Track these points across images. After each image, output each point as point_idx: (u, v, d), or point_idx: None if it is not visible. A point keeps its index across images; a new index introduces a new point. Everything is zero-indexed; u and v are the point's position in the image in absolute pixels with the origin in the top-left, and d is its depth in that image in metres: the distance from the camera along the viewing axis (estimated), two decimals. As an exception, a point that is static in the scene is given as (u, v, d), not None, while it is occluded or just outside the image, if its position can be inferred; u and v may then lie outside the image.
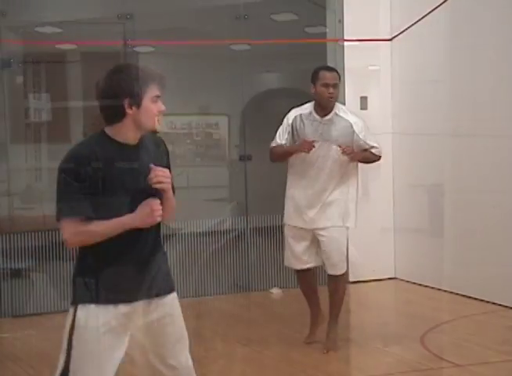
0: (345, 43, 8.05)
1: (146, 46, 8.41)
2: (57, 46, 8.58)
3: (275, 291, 7.87)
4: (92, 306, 3.30)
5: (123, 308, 3.33)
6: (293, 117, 5.94)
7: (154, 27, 8.86)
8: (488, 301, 7.26)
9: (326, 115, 5.82)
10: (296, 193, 5.92)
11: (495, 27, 7.19)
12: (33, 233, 7.03)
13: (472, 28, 7.47)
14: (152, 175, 3.27)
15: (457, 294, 7.60)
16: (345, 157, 5.74)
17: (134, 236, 3.32)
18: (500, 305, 7.16)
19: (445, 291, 7.68)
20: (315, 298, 6.12)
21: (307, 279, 6.08)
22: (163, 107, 3.32)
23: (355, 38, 8.06)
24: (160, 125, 3.36)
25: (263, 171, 8.90)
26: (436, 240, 7.90)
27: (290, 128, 5.91)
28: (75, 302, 3.33)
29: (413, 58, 8.17)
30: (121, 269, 3.37)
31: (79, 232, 3.24)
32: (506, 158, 7.04)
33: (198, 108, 10.52)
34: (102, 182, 3.24)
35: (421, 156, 7.67)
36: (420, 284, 8.00)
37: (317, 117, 5.83)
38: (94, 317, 3.30)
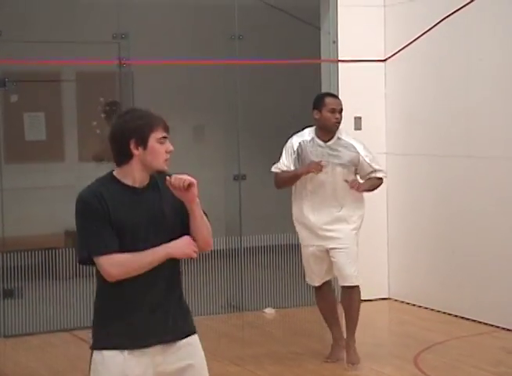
0: (340, 64, 8.05)
1: (141, 66, 8.37)
2: (52, 65, 8.48)
3: (269, 311, 7.87)
4: (105, 352, 3.30)
5: (137, 353, 3.32)
6: (297, 143, 6.06)
7: (149, 46, 8.79)
8: (481, 322, 7.30)
9: (329, 140, 5.98)
10: (305, 216, 6.08)
11: (488, 49, 7.22)
12: (25, 253, 6.99)
13: (465, 50, 7.48)
14: (174, 180, 3.26)
15: (450, 314, 7.63)
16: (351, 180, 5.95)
17: (149, 274, 3.30)
18: (493, 325, 7.20)
19: (439, 311, 7.70)
20: (334, 315, 6.25)
21: (325, 294, 6.23)
22: (171, 147, 3.35)
23: (349, 59, 8.02)
24: (168, 166, 3.39)
25: (257, 191, 9.09)
26: (430, 261, 7.95)
27: (295, 155, 6.04)
28: (91, 348, 3.35)
29: (407, 78, 8.20)
30: (135, 314, 3.35)
31: (120, 262, 3.25)
32: (501, 180, 7.07)
33: (193, 128, 10.53)
34: (111, 223, 3.27)
35: (415, 176, 7.69)
36: (414, 305, 7.94)
37: (320, 142, 5.98)
38: (108, 363, 3.30)
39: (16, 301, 7.05)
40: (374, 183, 6.11)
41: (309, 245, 6.13)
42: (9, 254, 6.96)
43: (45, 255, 6.97)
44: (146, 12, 9.20)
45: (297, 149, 6.06)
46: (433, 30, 7.71)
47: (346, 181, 5.91)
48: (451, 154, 7.72)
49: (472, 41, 7.46)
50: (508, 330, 6.90)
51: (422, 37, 7.89)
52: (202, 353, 3.49)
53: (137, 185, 3.38)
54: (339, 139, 6.02)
